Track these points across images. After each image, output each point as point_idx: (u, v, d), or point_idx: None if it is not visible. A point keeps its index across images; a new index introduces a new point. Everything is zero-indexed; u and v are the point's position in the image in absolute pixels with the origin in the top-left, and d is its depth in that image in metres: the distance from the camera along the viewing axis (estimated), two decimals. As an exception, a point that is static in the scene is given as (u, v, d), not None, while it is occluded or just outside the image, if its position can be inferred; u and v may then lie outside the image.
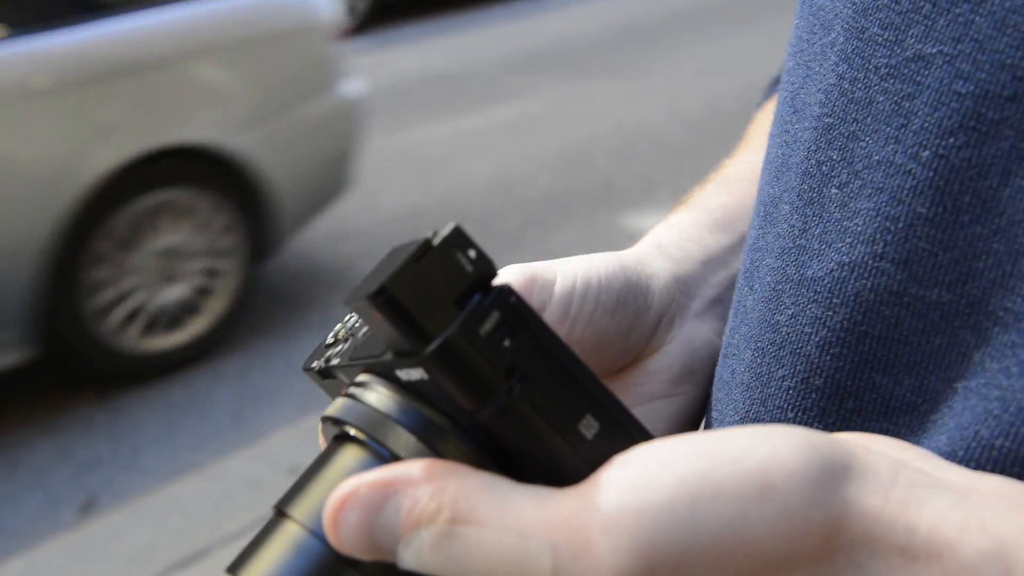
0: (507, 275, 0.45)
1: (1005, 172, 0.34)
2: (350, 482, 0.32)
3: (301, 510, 0.35)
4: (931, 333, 0.36)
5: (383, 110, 6.19)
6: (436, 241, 0.31)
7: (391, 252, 0.34)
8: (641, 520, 0.30)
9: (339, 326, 0.45)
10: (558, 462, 0.33)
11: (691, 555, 0.30)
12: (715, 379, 0.50)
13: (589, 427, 0.33)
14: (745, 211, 0.55)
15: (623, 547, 0.30)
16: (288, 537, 0.34)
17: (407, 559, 0.32)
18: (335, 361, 0.41)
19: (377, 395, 0.35)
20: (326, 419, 0.37)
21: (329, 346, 0.43)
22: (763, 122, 0.62)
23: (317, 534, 0.34)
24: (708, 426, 0.51)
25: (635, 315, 0.49)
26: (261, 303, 3.92)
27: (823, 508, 0.30)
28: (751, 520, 0.29)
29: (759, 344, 0.44)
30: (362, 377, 0.37)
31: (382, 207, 4.76)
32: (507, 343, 0.32)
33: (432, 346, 0.31)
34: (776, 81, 0.65)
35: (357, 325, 0.42)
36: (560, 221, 4.46)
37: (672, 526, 0.29)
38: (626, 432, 0.33)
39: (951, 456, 0.35)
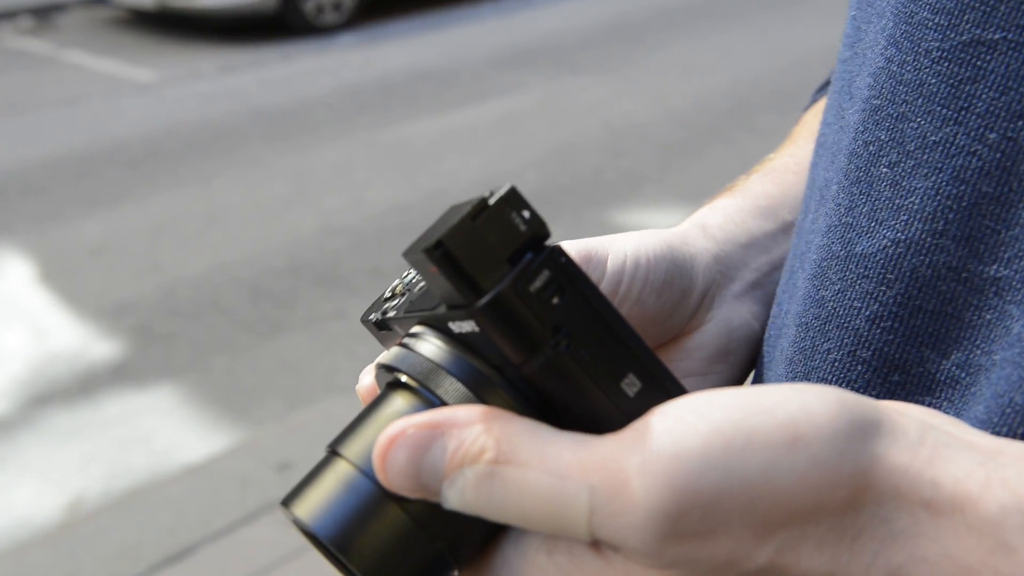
0: (577, 246, 0.47)
1: None
2: (399, 423, 0.35)
3: (352, 449, 0.37)
4: (983, 308, 0.38)
5: (371, 106, 6.18)
6: (492, 200, 0.33)
7: (449, 209, 0.35)
8: (676, 464, 0.31)
9: (396, 281, 0.46)
10: (599, 416, 0.34)
11: (722, 499, 0.31)
12: (761, 359, 0.52)
13: (631, 385, 0.34)
14: (789, 200, 0.57)
15: (658, 488, 0.31)
16: (339, 474, 0.37)
17: (451, 498, 0.34)
18: (391, 314, 0.42)
19: (429, 345, 0.37)
20: (380, 367, 0.40)
21: (386, 300, 0.45)
22: (810, 122, 0.64)
23: (366, 472, 0.36)
24: None
25: (680, 295, 0.51)
26: (246, 299, 3.92)
27: (851, 461, 0.31)
28: (781, 469, 0.31)
29: (804, 319, 0.45)
30: (416, 328, 0.39)
31: (369, 202, 4.76)
32: (556, 300, 0.33)
33: (484, 300, 0.32)
34: (824, 85, 0.66)
35: (413, 280, 0.44)
36: (548, 217, 4.46)
37: (705, 470, 0.31)
38: (666, 391, 0.35)
39: (987, 423, 0.36)
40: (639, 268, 0.48)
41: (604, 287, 0.47)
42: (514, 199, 0.33)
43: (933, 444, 0.32)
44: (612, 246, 0.48)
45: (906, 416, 0.33)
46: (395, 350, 0.39)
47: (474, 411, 0.34)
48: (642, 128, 5.46)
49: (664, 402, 0.34)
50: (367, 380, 0.44)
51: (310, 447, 2.95)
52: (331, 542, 0.36)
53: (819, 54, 6.07)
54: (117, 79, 7.17)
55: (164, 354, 3.58)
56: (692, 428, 0.31)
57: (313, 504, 0.36)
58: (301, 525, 0.37)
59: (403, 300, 0.43)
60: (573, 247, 0.47)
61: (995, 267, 0.38)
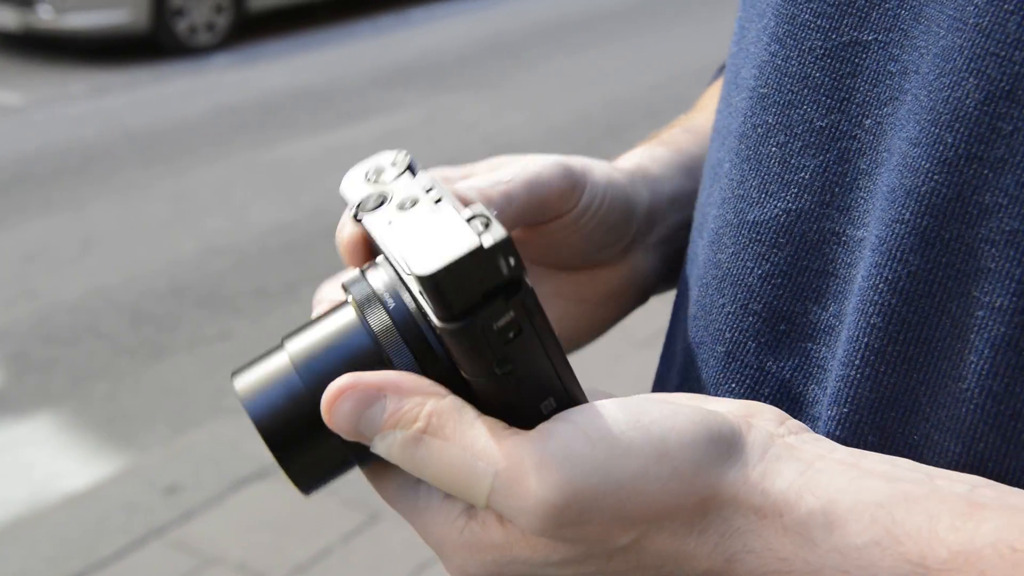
0: (564, 161, 0.53)
1: (902, 127, 0.42)
2: (350, 377, 0.40)
3: (296, 348, 0.43)
4: (853, 265, 0.44)
5: (250, 126, 6.12)
6: (487, 244, 0.36)
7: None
8: (565, 465, 0.38)
9: (385, 167, 0.45)
10: (514, 417, 0.40)
11: (599, 497, 0.38)
12: (672, 320, 0.58)
13: (548, 407, 0.41)
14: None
15: (547, 484, 0.38)
16: (278, 366, 0.43)
17: (379, 448, 0.41)
18: (364, 219, 0.43)
19: (381, 277, 0.42)
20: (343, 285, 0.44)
21: (370, 195, 0.45)
22: (712, 91, 0.70)
23: (299, 372, 0.42)
24: (665, 355, 0.59)
25: (621, 234, 0.57)
26: (126, 323, 3.84)
27: (704, 475, 0.39)
28: (648, 476, 0.38)
29: (703, 280, 0.52)
30: (381, 259, 0.43)
31: (251, 223, 4.71)
32: (511, 336, 0.38)
33: (452, 325, 0.37)
34: (722, 68, 0.73)
35: (391, 174, 0.44)
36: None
37: (588, 473, 0.38)
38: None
39: (843, 363, 0.44)
40: (605, 202, 0.55)
41: (584, 199, 0.53)
42: (506, 247, 0.36)
43: (769, 459, 0.39)
44: (592, 175, 0.54)
45: (756, 430, 0.41)
46: (353, 274, 0.44)
47: (417, 383, 0.41)
48: (523, 144, 5.54)
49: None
50: (348, 229, 0.47)
51: (198, 469, 2.91)
52: (255, 421, 0.42)
53: (692, 71, 6.25)
54: (-19, 103, 6.94)
55: (41, 382, 3.48)
56: (584, 435, 0.38)
57: (250, 384, 0.43)
58: (238, 398, 0.43)
59: (384, 207, 0.43)
60: (572, 162, 0.53)
61: (862, 231, 0.44)
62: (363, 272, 0.44)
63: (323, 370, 0.42)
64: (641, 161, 0.61)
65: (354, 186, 0.45)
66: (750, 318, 0.49)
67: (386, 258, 0.42)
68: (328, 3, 8.79)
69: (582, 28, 8.05)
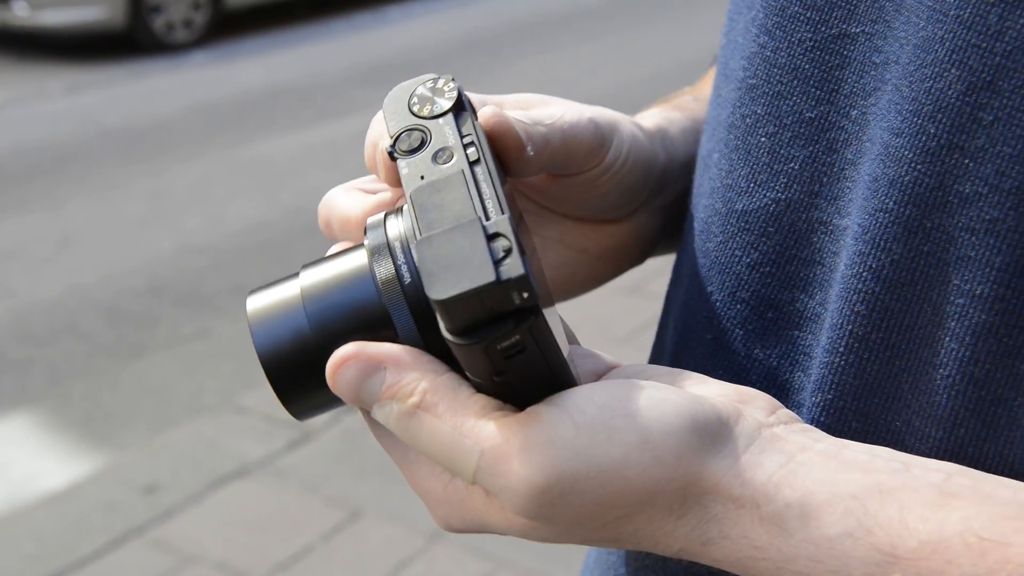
0: (595, 118, 0.52)
1: (884, 117, 0.43)
2: (355, 346, 0.42)
3: (308, 280, 0.44)
4: (838, 254, 0.45)
5: (228, 123, 6.09)
6: (503, 278, 0.36)
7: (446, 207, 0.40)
8: (549, 448, 0.39)
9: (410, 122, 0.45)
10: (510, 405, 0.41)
11: (580, 481, 0.39)
12: (663, 307, 0.59)
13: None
14: None
15: (532, 465, 0.39)
16: (288, 295, 0.44)
17: (377, 416, 0.42)
18: (399, 161, 0.43)
19: (398, 227, 0.43)
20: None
21: (409, 129, 0.44)
22: (712, 73, 0.70)
23: (305, 305, 0.43)
24: (656, 344, 0.60)
25: (639, 193, 0.56)
26: (104, 322, 3.82)
27: (685, 463, 0.39)
28: (630, 462, 0.39)
29: (693, 269, 0.53)
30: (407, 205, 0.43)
31: (229, 221, 4.70)
32: (514, 353, 0.38)
33: (460, 340, 0.38)
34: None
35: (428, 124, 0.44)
36: (411, 230, 4.47)
37: (571, 456, 0.39)
38: None
39: (827, 350, 0.45)
40: (627, 163, 0.54)
41: (600, 167, 0.53)
42: (521, 283, 0.36)
43: (754, 450, 0.40)
44: (619, 135, 0.53)
45: (744, 420, 0.41)
46: (377, 217, 0.44)
47: (417, 358, 0.42)
48: (501, 141, 5.53)
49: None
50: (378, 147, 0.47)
51: (177, 468, 2.90)
52: (259, 352, 0.43)
53: (670, 68, 6.28)
54: (-44, 100, 6.89)
55: (18, 382, 3.46)
56: (569, 419, 0.39)
57: (261, 311, 0.44)
58: (247, 320, 0.44)
59: (417, 157, 0.43)
60: (609, 115, 0.53)
61: (846, 219, 0.45)
62: (386, 218, 0.44)
63: (328, 314, 0.43)
64: (660, 122, 0.61)
65: (397, 109, 0.45)
66: (738, 306, 0.50)
67: (410, 212, 0.42)
68: (305, 0, 8.76)
69: (560, 26, 8.06)
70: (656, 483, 0.39)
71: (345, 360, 0.42)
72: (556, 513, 0.40)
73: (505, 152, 0.46)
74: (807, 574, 0.38)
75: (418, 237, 0.38)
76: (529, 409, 0.40)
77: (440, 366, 0.42)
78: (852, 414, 0.44)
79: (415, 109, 0.44)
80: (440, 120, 0.44)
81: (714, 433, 0.40)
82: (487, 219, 0.39)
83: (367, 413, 0.45)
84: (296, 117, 6.17)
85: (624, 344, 3.18)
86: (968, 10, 0.39)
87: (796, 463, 0.40)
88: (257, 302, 0.44)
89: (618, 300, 3.60)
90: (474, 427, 0.40)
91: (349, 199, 0.49)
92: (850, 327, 0.44)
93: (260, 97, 6.58)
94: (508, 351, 0.38)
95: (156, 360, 3.56)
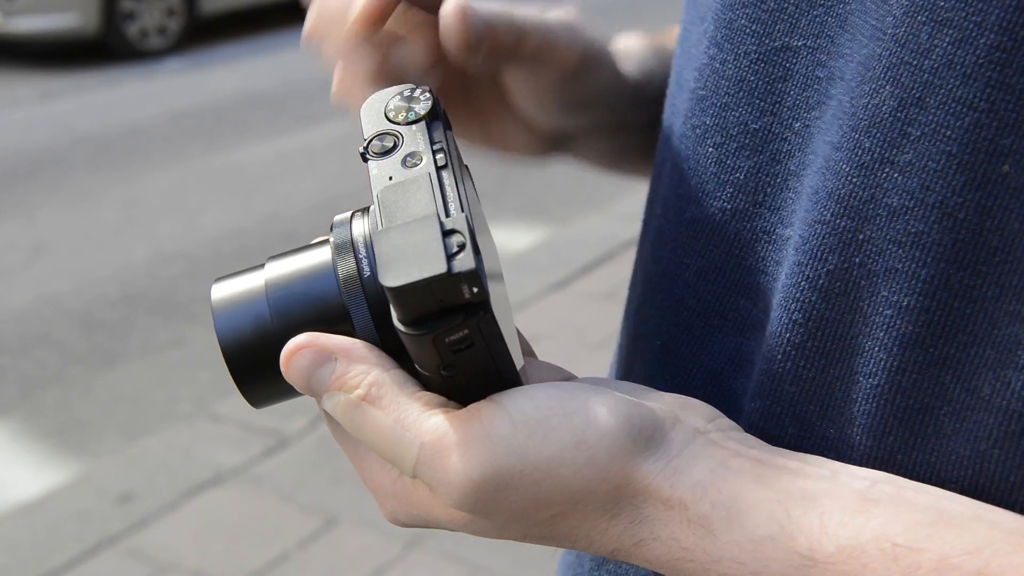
0: (581, 39, 0.58)
1: (826, 131, 0.44)
2: (309, 336, 0.43)
3: (273, 272, 0.45)
4: (780, 263, 0.46)
5: (202, 130, 6.08)
6: (455, 271, 0.38)
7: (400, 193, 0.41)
8: (486, 444, 0.40)
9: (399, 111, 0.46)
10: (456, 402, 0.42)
11: (515, 477, 0.40)
12: (624, 314, 0.60)
13: None
14: None
15: (469, 460, 0.40)
16: (251, 285, 0.46)
17: (326, 405, 0.44)
18: (369, 163, 0.45)
19: (362, 232, 0.45)
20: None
21: (382, 134, 0.46)
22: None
23: (268, 294, 0.45)
24: (617, 351, 0.61)
25: (590, 107, 0.62)
26: (78, 331, 3.80)
27: (618, 464, 0.40)
28: (564, 461, 0.40)
29: (646, 275, 0.54)
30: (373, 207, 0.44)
31: (204, 228, 4.68)
32: (461, 349, 0.40)
33: (410, 331, 0.39)
34: None
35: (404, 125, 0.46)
36: (387, 237, 4.47)
37: (508, 452, 0.40)
38: None
39: (763, 357, 0.46)
40: (585, 86, 0.59)
41: (562, 77, 0.58)
42: (471, 277, 0.38)
43: (686, 456, 0.41)
44: (625, 62, 0.60)
45: (680, 425, 0.43)
46: (344, 215, 0.46)
47: (366, 353, 0.43)
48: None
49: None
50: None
51: (151, 477, 2.89)
52: (220, 339, 0.45)
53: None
54: (-73, 108, 6.83)
55: (-9, 391, 3.43)
56: (508, 417, 0.41)
57: (225, 299, 0.46)
58: (211, 307, 0.46)
59: (388, 160, 0.44)
60: (577, 38, 0.59)
61: (789, 229, 0.46)
62: (352, 217, 0.46)
63: (290, 304, 0.45)
64: (642, 52, 0.67)
65: (373, 115, 0.46)
66: (685, 312, 0.51)
67: (375, 212, 0.43)
68: (281, 7, 8.74)
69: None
70: (589, 483, 0.40)
71: (299, 348, 0.43)
72: (492, 508, 0.41)
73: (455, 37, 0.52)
74: (730, 575, 0.40)
75: (376, 267, 0.40)
76: (470, 406, 0.42)
77: (389, 362, 0.43)
78: (789, 420, 0.45)
79: (390, 115, 0.46)
80: (413, 127, 0.45)
81: (648, 436, 0.41)
82: (447, 216, 0.40)
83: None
84: (271, 124, 6.16)
85: (598, 350, 3.19)
86: (903, 29, 0.40)
87: (726, 468, 0.41)
88: (222, 289, 0.46)
89: (593, 306, 3.61)
90: (415, 421, 0.41)
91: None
92: (787, 335, 0.44)
93: (235, 104, 6.56)
94: (456, 345, 0.40)
95: (130, 368, 3.54)
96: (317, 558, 2.55)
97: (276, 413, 3.11)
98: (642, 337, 0.54)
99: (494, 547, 2.50)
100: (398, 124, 0.45)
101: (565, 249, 4.17)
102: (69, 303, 4.01)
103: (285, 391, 0.46)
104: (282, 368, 0.43)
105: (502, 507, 0.41)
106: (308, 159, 5.53)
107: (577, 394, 0.42)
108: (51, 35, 7.70)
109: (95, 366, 3.57)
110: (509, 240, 4.26)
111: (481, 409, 0.41)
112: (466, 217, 0.39)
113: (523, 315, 3.54)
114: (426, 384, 0.43)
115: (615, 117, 0.65)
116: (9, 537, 2.70)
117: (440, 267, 0.37)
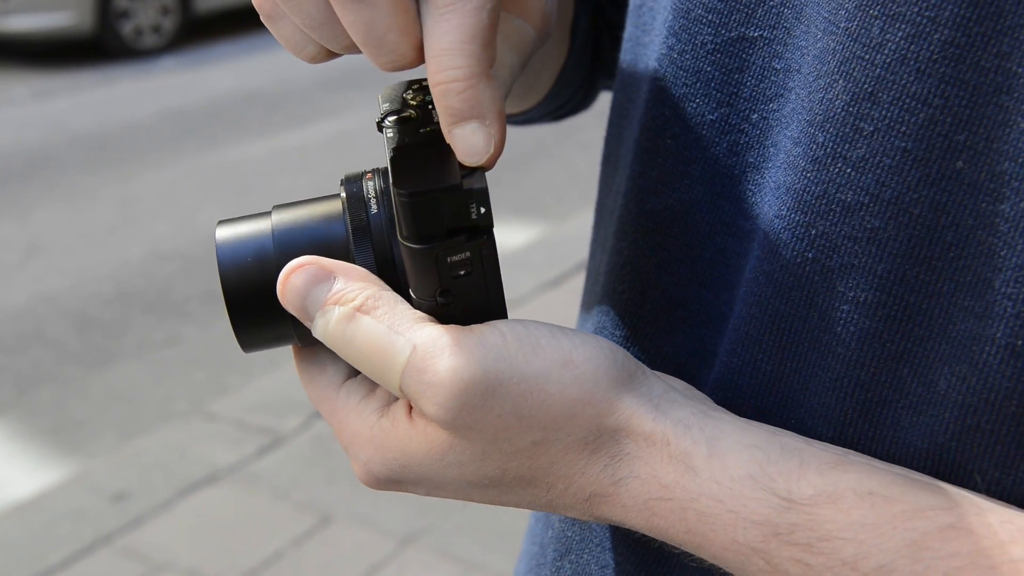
0: None
1: (786, 125, 0.44)
2: (307, 257, 0.44)
3: (280, 218, 0.46)
4: (743, 255, 0.47)
5: (198, 129, 6.07)
6: (465, 186, 0.40)
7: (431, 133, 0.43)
8: (477, 348, 0.41)
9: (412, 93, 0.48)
10: None
11: (502, 384, 0.41)
12: (582, 305, 0.61)
13: None
14: None
15: (459, 360, 0.41)
16: (258, 228, 0.46)
17: (318, 326, 0.44)
18: (385, 128, 0.46)
19: (374, 186, 0.46)
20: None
21: (400, 109, 0.47)
22: None
23: (274, 238, 0.46)
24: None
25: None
26: (73, 330, 3.80)
27: (603, 389, 0.41)
28: (551, 378, 0.41)
29: (608, 267, 0.54)
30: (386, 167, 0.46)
31: (200, 226, 4.68)
32: (461, 273, 0.41)
33: (414, 246, 0.41)
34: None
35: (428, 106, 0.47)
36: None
37: (496, 359, 0.41)
38: None
39: (727, 351, 0.46)
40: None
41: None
42: (481, 196, 0.40)
43: (665, 400, 0.42)
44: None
45: (658, 377, 0.44)
46: (356, 173, 0.47)
47: (365, 274, 0.44)
48: (472, 145, 5.53)
49: None
50: None
51: (146, 476, 2.89)
52: (221, 270, 0.46)
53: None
54: (-78, 107, 6.82)
55: (-14, 390, 3.43)
56: (499, 333, 0.41)
57: (229, 235, 0.46)
58: (215, 243, 0.46)
59: (403, 124, 0.45)
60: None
61: (749, 222, 0.46)
62: (363, 175, 0.47)
63: (295, 243, 0.45)
64: None
65: (392, 97, 0.47)
66: (648, 304, 0.51)
67: (388, 168, 0.45)
68: (276, 5, 8.72)
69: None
70: (573, 404, 0.41)
71: (299, 266, 0.43)
72: (476, 420, 0.41)
73: None
74: (709, 514, 0.40)
75: (391, 179, 0.41)
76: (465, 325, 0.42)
77: (381, 282, 0.44)
78: (750, 412, 0.45)
79: (408, 97, 0.47)
80: (430, 107, 0.46)
81: (630, 373, 0.42)
82: None
83: (306, 360, 0.47)
84: (266, 123, 6.15)
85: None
86: (856, 23, 0.40)
87: (706, 415, 0.42)
88: (227, 229, 0.47)
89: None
90: (409, 327, 0.42)
91: None
92: (746, 328, 0.45)
93: (230, 103, 6.56)
94: (456, 267, 0.41)
95: (125, 367, 3.54)
96: (312, 556, 2.55)
97: (271, 412, 3.11)
98: (604, 329, 0.54)
99: (488, 544, 2.51)
100: (415, 105, 0.46)
101: (560, 246, 4.17)
102: (64, 302, 4.01)
103: (279, 334, 0.46)
104: (279, 289, 0.44)
105: (485, 420, 0.41)
106: (303, 157, 5.53)
107: (563, 328, 0.43)
108: (46, 34, 7.69)
109: (90, 365, 3.57)
110: (504, 237, 4.27)
111: (473, 326, 0.42)
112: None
113: (518, 312, 3.54)
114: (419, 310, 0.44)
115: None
116: (4, 536, 2.70)
117: (454, 179, 0.39)
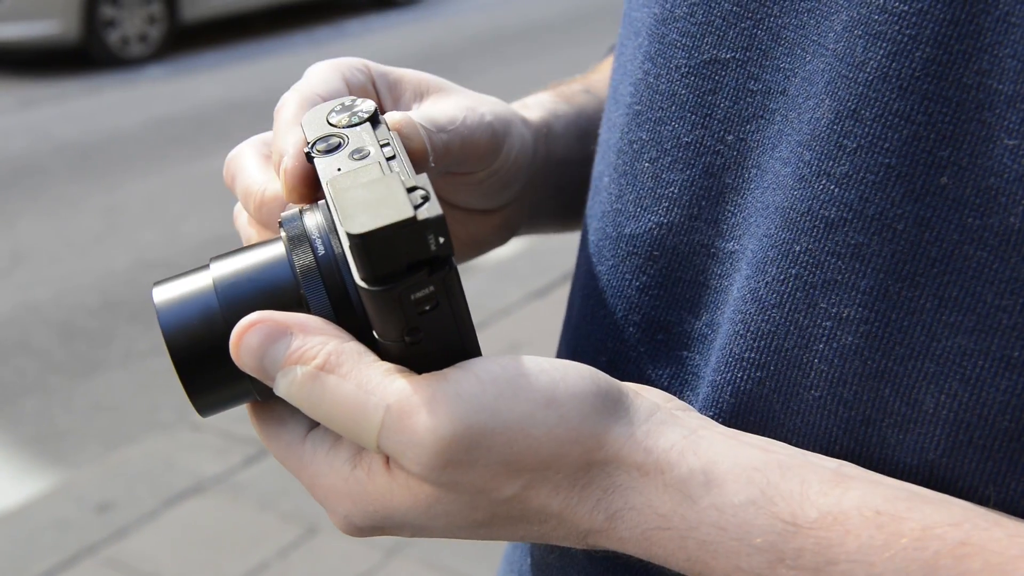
0: (492, 124, 0.53)
1: (774, 146, 0.44)
2: (261, 313, 0.41)
3: (221, 270, 0.44)
4: (723, 276, 0.46)
5: (184, 138, 6.06)
6: (420, 218, 0.37)
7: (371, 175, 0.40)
8: (456, 401, 0.39)
9: (341, 115, 0.46)
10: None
11: (486, 436, 0.39)
12: (561, 330, 0.60)
13: None
14: (596, 130, 0.64)
15: (439, 417, 0.38)
16: (200, 284, 0.44)
17: (281, 386, 0.41)
18: (316, 160, 0.45)
19: (316, 224, 0.43)
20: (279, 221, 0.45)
21: (327, 136, 0.46)
22: (606, 63, 0.72)
23: (217, 293, 0.43)
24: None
25: (516, 187, 0.57)
26: (58, 339, 3.78)
27: (590, 425, 0.40)
28: (536, 420, 0.39)
29: (585, 291, 0.54)
30: (323, 200, 0.44)
31: (186, 236, 4.67)
32: (427, 309, 0.39)
33: (372, 288, 0.38)
34: (612, 48, 0.74)
35: (354, 126, 0.46)
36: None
37: (477, 410, 0.39)
38: None
39: (715, 371, 0.46)
40: (513, 167, 0.55)
41: (489, 171, 0.54)
42: (438, 225, 0.38)
43: (655, 422, 0.41)
44: (510, 138, 0.55)
45: (643, 398, 0.42)
46: (292, 211, 0.45)
47: (323, 326, 0.41)
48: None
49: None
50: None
51: (131, 486, 2.88)
52: (165, 334, 0.43)
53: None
54: (-94, 115, 6.79)
55: (-31, 400, 3.41)
56: (475, 377, 0.39)
57: (169, 297, 0.44)
58: (154, 307, 0.44)
59: (338, 154, 0.44)
60: (489, 126, 0.53)
61: (732, 243, 0.46)
62: (301, 212, 0.44)
63: (241, 296, 0.43)
64: (547, 116, 0.62)
65: (315, 123, 0.46)
66: (630, 328, 0.50)
67: (327, 203, 0.43)
68: (263, 14, 8.74)
69: (518, 40, 8.09)
70: (561, 444, 0.39)
71: (251, 325, 0.41)
72: (461, 475, 0.39)
73: (410, 155, 0.47)
74: (710, 542, 0.39)
75: (338, 220, 0.39)
76: (435, 372, 0.40)
77: (347, 335, 0.41)
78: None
79: (332, 120, 0.46)
80: (357, 128, 0.45)
81: (615, 400, 0.41)
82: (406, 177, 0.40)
83: (263, 417, 0.45)
84: (253, 132, 6.01)
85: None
86: (842, 44, 0.41)
87: (697, 436, 0.41)
88: (165, 290, 0.44)
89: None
90: (379, 384, 0.39)
91: (260, 174, 0.50)
92: (730, 347, 0.45)
93: (217, 112, 6.55)
94: (422, 303, 0.38)
95: (110, 377, 3.53)
96: (297, 567, 2.54)
97: (257, 421, 3.10)
98: (585, 354, 0.53)
99: (474, 554, 2.51)
100: (341, 128, 0.45)
101: (546, 256, 4.17)
102: (49, 311, 4.00)
103: (236, 393, 0.44)
104: (232, 351, 0.41)
105: (472, 473, 0.39)
106: (290, 167, 5.51)
107: (539, 360, 0.41)
108: (31, 42, 7.66)
109: (75, 374, 3.56)
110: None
111: (446, 372, 0.40)
112: (425, 176, 0.39)
113: (504, 323, 3.55)
114: (385, 356, 0.41)
115: (547, 180, 0.63)
116: (-13, 547, 2.68)
117: (407, 212, 0.37)
